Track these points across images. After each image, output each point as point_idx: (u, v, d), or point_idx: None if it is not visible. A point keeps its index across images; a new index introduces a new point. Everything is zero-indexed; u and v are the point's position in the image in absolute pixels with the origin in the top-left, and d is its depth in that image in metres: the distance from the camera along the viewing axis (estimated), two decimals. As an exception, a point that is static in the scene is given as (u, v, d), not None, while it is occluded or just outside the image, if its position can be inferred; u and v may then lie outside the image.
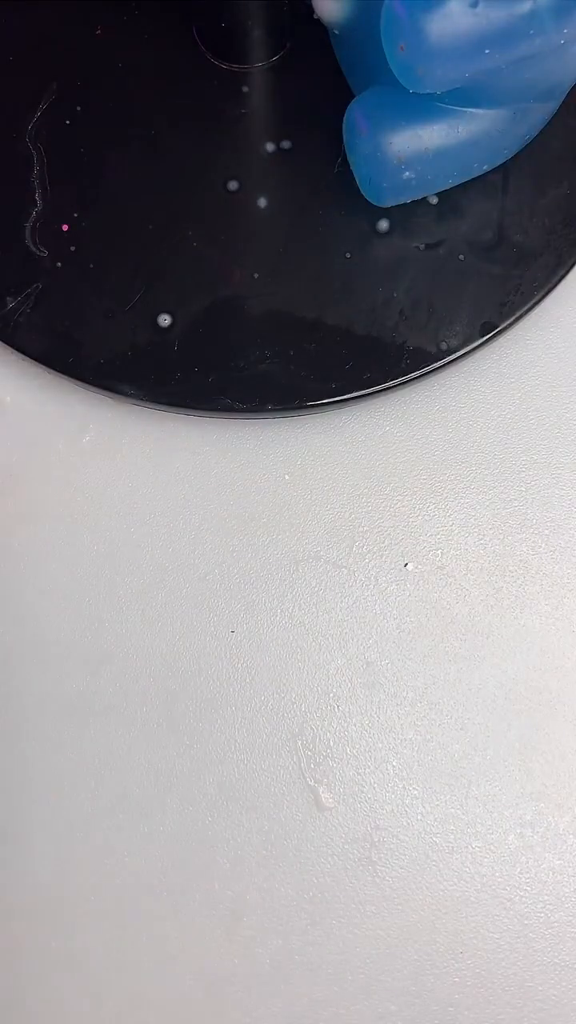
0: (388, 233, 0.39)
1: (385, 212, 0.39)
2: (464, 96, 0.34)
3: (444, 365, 0.38)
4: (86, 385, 0.37)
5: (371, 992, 0.33)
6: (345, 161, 0.38)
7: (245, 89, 0.41)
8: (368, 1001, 0.33)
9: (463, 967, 0.33)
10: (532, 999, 0.32)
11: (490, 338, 0.38)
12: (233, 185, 0.39)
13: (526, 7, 0.30)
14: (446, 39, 0.30)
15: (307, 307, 0.38)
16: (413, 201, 0.38)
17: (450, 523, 0.38)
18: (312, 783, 0.35)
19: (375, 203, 0.38)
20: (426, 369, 0.37)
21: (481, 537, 0.38)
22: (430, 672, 0.36)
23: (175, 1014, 0.32)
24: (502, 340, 0.39)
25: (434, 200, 0.39)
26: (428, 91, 0.32)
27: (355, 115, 0.37)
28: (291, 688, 0.36)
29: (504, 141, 0.36)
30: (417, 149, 0.35)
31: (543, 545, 0.37)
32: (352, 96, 0.38)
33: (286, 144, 0.40)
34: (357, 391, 0.37)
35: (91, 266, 0.38)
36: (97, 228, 0.39)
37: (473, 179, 0.38)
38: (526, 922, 0.34)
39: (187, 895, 0.31)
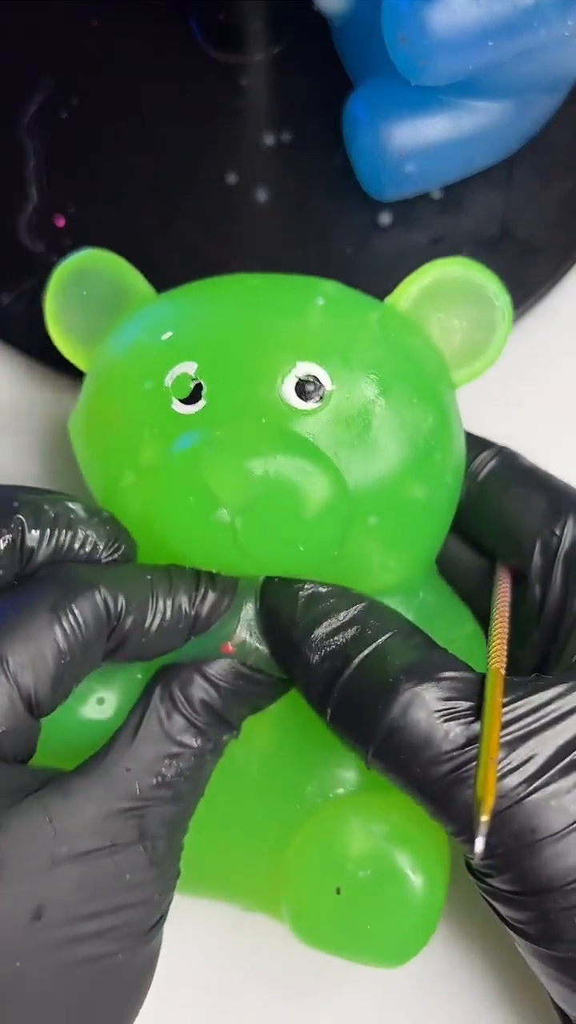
0: (390, 227, 0.38)
1: (387, 206, 0.38)
2: (467, 88, 0.34)
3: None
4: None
5: (372, 992, 0.32)
6: (346, 154, 0.38)
7: (244, 81, 0.40)
8: (369, 1000, 0.32)
9: (464, 967, 0.33)
10: (533, 1000, 0.32)
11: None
12: (232, 178, 0.39)
13: (530, -2, 0.30)
14: (448, 31, 0.30)
15: (307, 303, 0.37)
16: (416, 195, 0.38)
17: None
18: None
19: (376, 197, 0.38)
20: (428, 366, 0.37)
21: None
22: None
23: (176, 1018, 0.32)
24: (505, 336, 0.39)
25: (437, 194, 0.38)
26: (430, 84, 0.32)
27: (356, 107, 0.36)
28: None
29: (507, 134, 0.36)
30: (419, 142, 0.35)
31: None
32: (353, 88, 0.37)
33: (286, 137, 0.39)
34: (358, 390, 0.37)
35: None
36: (93, 222, 0.39)
37: (476, 173, 0.38)
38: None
39: (189, 900, 0.31)
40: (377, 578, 0.28)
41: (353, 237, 0.38)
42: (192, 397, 0.27)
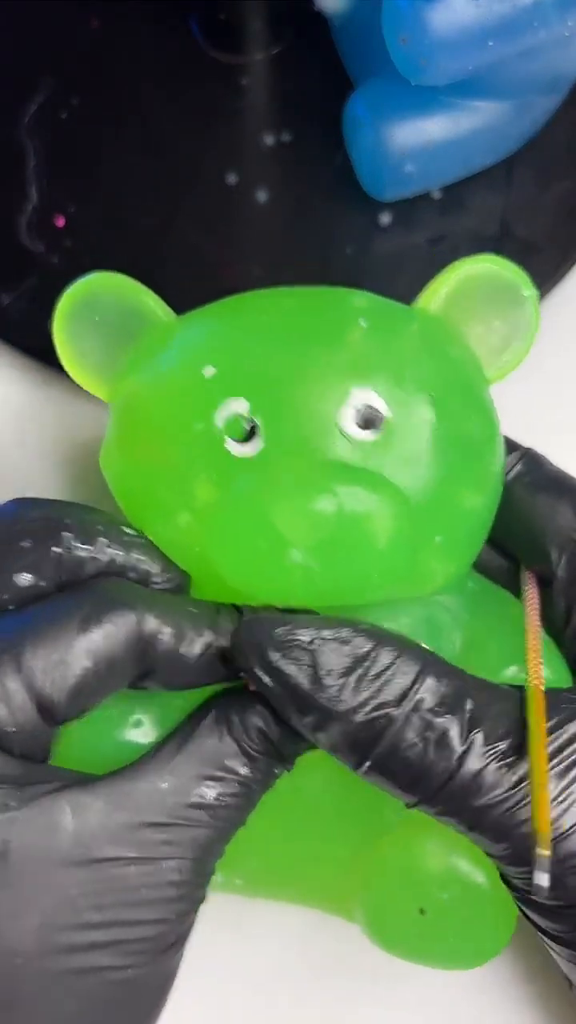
0: (390, 227, 0.38)
1: (387, 206, 0.38)
2: (467, 89, 0.34)
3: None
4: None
5: (374, 996, 0.32)
6: (346, 154, 0.38)
7: (244, 81, 0.40)
8: (371, 1004, 0.32)
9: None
10: (541, 1000, 0.32)
11: (493, 334, 0.38)
12: (232, 178, 0.39)
13: (530, -1, 0.30)
14: (448, 31, 0.30)
15: (307, 303, 0.37)
16: (415, 195, 0.38)
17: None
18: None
19: (376, 196, 0.38)
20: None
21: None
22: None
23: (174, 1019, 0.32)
24: (505, 336, 0.39)
25: (437, 194, 0.38)
26: (430, 83, 0.32)
27: (357, 107, 0.36)
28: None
29: (507, 134, 0.36)
30: (419, 142, 0.35)
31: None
32: (353, 88, 0.37)
33: (286, 137, 0.39)
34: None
35: (87, 260, 0.38)
36: (93, 222, 0.38)
37: (476, 173, 0.38)
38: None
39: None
40: (438, 583, 0.28)
41: (353, 237, 0.38)
42: (247, 437, 0.26)
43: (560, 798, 0.24)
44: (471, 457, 0.28)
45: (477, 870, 0.26)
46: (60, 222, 0.38)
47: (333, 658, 0.24)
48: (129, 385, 0.29)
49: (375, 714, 0.24)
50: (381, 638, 0.25)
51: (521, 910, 0.26)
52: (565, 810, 0.24)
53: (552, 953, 0.27)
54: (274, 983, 0.32)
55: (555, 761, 0.24)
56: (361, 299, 0.29)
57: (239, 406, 0.26)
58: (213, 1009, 0.32)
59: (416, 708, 0.24)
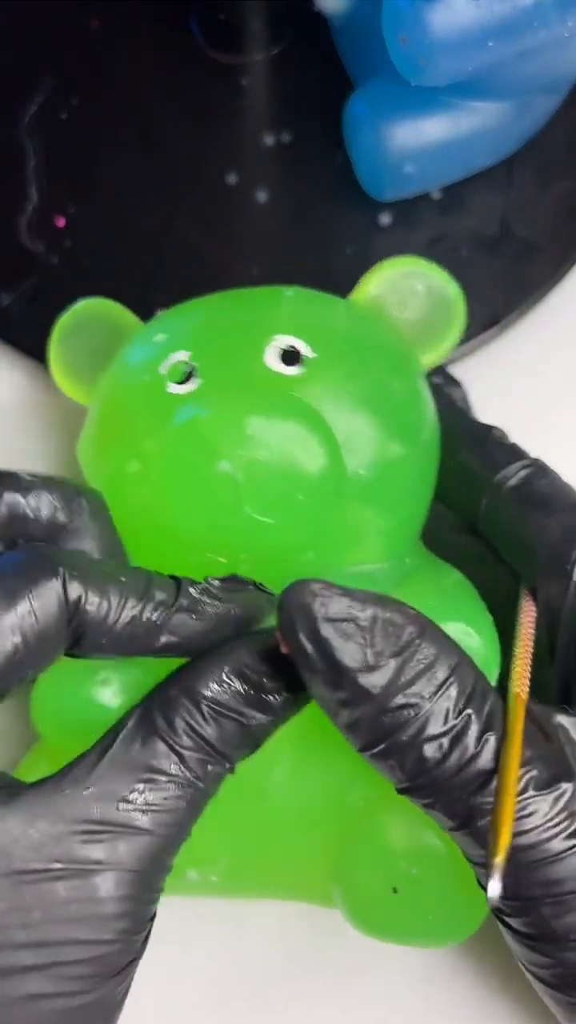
0: (390, 227, 0.38)
1: (387, 206, 0.38)
2: (466, 89, 0.34)
3: (447, 360, 0.37)
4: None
5: (372, 996, 0.32)
6: (346, 154, 0.38)
7: (244, 81, 0.40)
8: (368, 1004, 0.32)
9: (466, 965, 0.33)
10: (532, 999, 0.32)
11: (494, 333, 0.38)
12: (232, 178, 0.39)
13: (530, -1, 0.30)
14: (448, 31, 0.30)
15: (307, 303, 0.37)
16: (416, 195, 0.38)
17: (452, 522, 0.37)
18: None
19: (376, 197, 0.38)
20: (429, 365, 0.37)
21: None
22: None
23: (175, 1019, 0.32)
24: (506, 335, 0.39)
25: (437, 194, 0.38)
26: (430, 84, 0.32)
27: (356, 108, 0.36)
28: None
29: (507, 134, 0.36)
30: (419, 142, 0.35)
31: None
32: (353, 88, 0.37)
33: (286, 137, 0.39)
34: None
35: (87, 261, 0.38)
36: (93, 222, 0.39)
37: (477, 173, 0.38)
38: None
39: (189, 900, 0.30)
40: (373, 543, 0.29)
41: (353, 237, 0.38)
42: (186, 379, 0.29)
43: (552, 820, 0.23)
44: (391, 410, 0.30)
45: (443, 841, 0.27)
46: (60, 222, 0.38)
47: (384, 640, 0.24)
48: (100, 384, 0.32)
49: (405, 701, 0.23)
50: (426, 625, 0.24)
51: (507, 941, 0.26)
52: (553, 829, 0.23)
53: (538, 993, 0.26)
54: (270, 985, 0.32)
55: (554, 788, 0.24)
56: (296, 288, 0.32)
57: (181, 355, 0.29)
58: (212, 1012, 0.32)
59: (445, 702, 0.23)
